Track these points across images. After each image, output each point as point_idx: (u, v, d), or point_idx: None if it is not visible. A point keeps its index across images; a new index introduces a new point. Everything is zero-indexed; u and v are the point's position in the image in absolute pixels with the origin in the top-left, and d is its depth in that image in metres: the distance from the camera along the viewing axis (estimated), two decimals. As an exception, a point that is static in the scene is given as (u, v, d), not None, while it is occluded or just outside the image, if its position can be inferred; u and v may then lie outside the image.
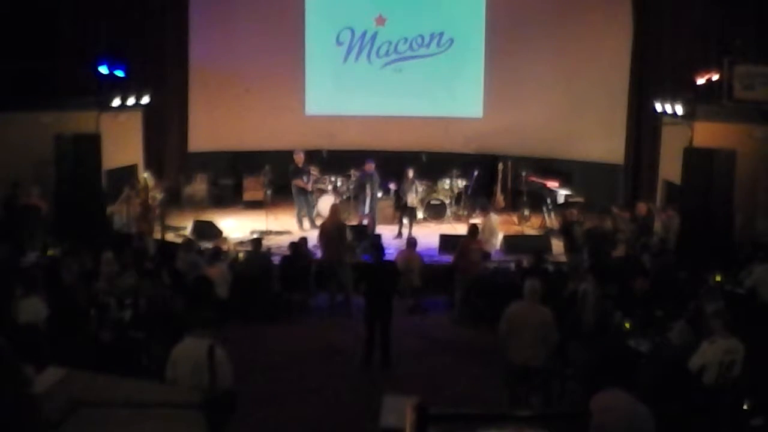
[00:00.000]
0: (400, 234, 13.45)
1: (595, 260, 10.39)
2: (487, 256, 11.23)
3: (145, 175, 13.43)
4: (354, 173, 14.52)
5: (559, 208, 13.90)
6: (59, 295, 7.78)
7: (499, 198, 15.42)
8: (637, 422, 3.60)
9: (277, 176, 14.18)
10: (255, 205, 14.88)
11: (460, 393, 8.00)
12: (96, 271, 9.17)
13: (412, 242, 11.31)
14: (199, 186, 15.85)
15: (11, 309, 7.01)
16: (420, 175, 14.28)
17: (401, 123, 16.48)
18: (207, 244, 11.78)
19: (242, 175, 15.86)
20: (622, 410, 3.15)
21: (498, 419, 2.95)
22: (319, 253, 11.64)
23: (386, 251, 10.41)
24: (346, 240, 11.04)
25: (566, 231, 12.16)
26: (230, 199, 15.96)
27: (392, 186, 14.54)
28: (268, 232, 13.23)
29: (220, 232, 13.16)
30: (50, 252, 10.32)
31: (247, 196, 15.60)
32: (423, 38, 16.55)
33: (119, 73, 13.22)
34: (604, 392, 3.20)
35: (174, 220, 14.01)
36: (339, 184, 14.87)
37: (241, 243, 12.55)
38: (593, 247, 11.07)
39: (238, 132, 16.37)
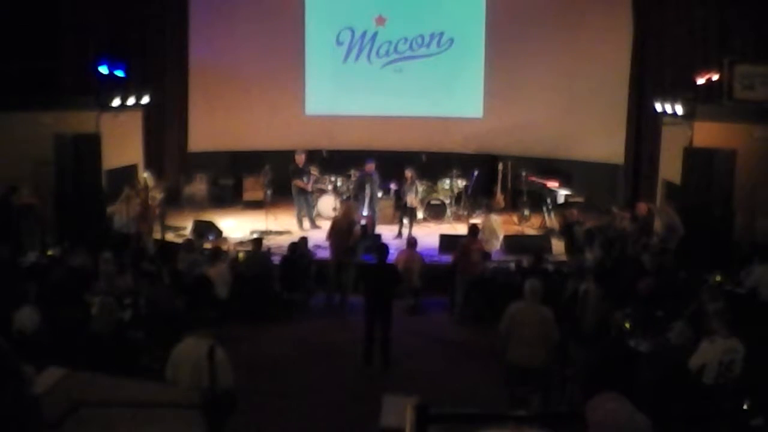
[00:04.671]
0: (400, 234, 13.45)
1: (609, 260, 10.41)
2: (487, 256, 11.22)
3: (145, 175, 13.42)
4: (354, 173, 14.52)
5: (559, 208, 13.89)
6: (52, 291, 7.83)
7: (499, 198, 15.42)
8: None
9: (277, 176, 14.16)
10: (255, 205, 14.88)
11: (460, 393, 8.00)
12: (96, 271, 9.17)
13: (412, 242, 11.30)
14: (199, 186, 15.84)
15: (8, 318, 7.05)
16: (420, 175, 14.28)
17: (401, 123, 16.47)
18: (207, 244, 11.79)
19: (242, 175, 15.87)
20: (620, 424, 3.10)
21: (498, 419, 2.95)
22: (319, 253, 11.64)
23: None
24: (354, 239, 11.01)
25: (567, 231, 12.15)
26: (230, 199, 15.96)
27: (393, 186, 14.54)
28: (268, 232, 13.22)
29: (220, 232, 13.16)
30: (50, 252, 10.33)
31: (247, 196, 15.61)
32: (423, 38, 16.54)
33: (119, 73, 13.21)
34: (600, 400, 3.14)
35: (174, 220, 14.00)
36: (339, 184, 14.87)
37: (241, 243, 12.55)
38: (609, 247, 11.05)
39: (238, 132, 16.37)
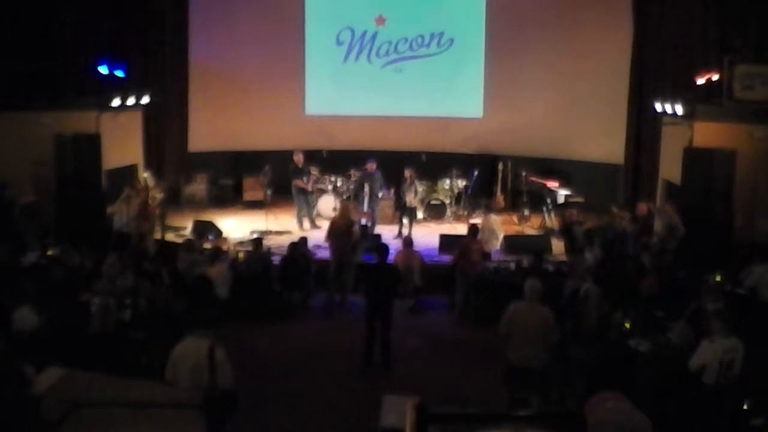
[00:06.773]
0: (400, 234, 13.44)
1: (609, 260, 10.42)
2: (487, 256, 11.23)
3: (145, 175, 13.42)
4: (354, 173, 14.52)
5: (559, 208, 13.89)
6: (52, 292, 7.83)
7: (499, 198, 15.41)
8: None
9: (277, 176, 14.17)
10: (255, 205, 14.88)
11: (460, 393, 8.00)
12: (96, 271, 9.17)
13: (408, 242, 11.30)
14: (199, 186, 15.85)
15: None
16: (420, 175, 14.28)
17: (401, 123, 16.47)
18: (207, 244, 11.79)
19: (242, 175, 15.87)
20: (619, 423, 3.10)
21: (498, 419, 2.95)
22: (319, 253, 11.64)
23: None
24: (354, 239, 11.01)
25: (567, 231, 12.15)
26: (230, 199, 15.97)
27: (390, 193, 14.52)
28: (268, 232, 13.22)
29: (220, 232, 13.16)
30: (50, 252, 10.33)
31: (247, 196, 15.61)
32: (423, 38, 16.54)
33: (119, 73, 13.21)
34: (600, 399, 3.13)
35: (174, 220, 14.00)
36: (339, 184, 14.88)
37: (241, 243, 12.55)
38: (609, 247, 11.05)
39: (238, 132, 16.36)
